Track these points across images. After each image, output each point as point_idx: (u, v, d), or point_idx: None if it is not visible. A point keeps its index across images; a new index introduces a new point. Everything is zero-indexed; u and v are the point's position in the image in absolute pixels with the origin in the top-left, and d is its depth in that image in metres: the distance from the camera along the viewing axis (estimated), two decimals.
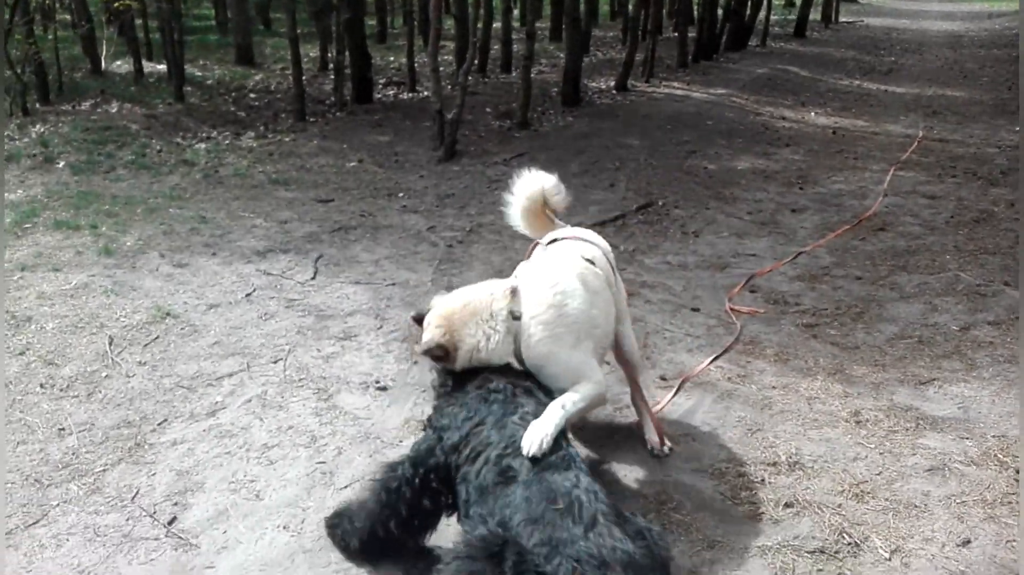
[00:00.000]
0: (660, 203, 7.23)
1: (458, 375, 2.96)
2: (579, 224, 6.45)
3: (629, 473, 3.39)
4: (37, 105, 10.08)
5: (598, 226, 6.54)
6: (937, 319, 4.83)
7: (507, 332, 2.90)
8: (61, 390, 3.80)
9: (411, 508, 2.69)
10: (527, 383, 2.89)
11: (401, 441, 3.53)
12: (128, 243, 5.58)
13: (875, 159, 8.97)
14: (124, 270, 5.12)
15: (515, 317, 2.92)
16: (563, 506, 2.31)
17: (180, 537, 2.96)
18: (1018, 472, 3.30)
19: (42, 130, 8.85)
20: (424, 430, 2.90)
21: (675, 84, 14.02)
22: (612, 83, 13.24)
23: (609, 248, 3.58)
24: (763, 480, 3.34)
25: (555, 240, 3.47)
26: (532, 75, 10.49)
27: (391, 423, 3.70)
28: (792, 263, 5.78)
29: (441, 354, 2.92)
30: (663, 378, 4.21)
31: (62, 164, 7.66)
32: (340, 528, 2.87)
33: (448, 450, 2.67)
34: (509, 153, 8.96)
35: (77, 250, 5.38)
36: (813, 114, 11.84)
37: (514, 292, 2.97)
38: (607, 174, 8.15)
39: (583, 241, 3.44)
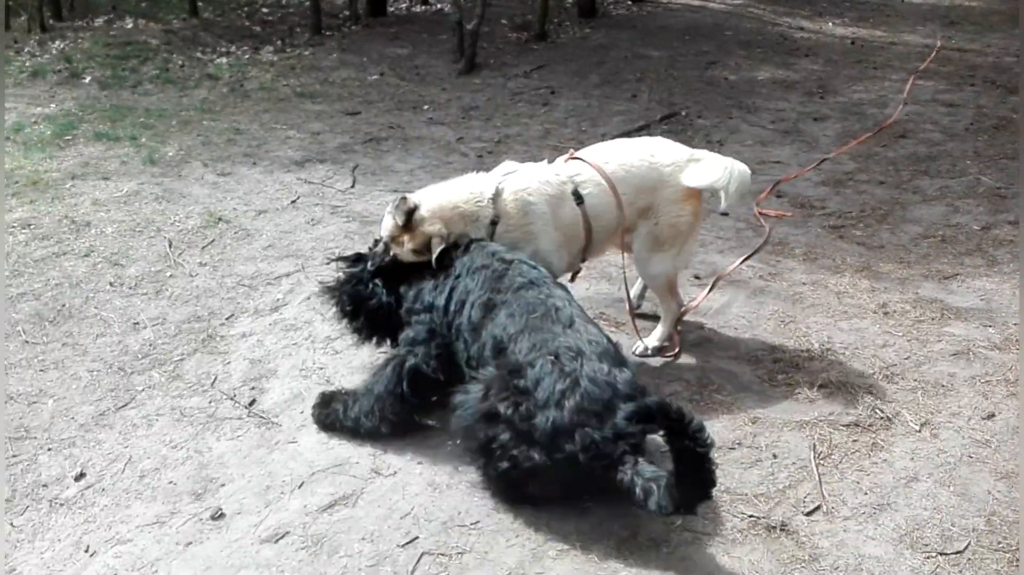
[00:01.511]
0: (683, 113, 7.30)
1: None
2: (604, 134, 6.62)
3: (671, 360, 3.62)
4: (51, 21, 10.01)
5: (623, 136, 6.65)
6: (959, 219, 4.99)
7: (487, 236, 3.23)
8: (130, 288, 4.02)
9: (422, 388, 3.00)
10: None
11: None
12: (169, 153, 5.71)
13: (894, 68, 8.95)
14: (171, 178, 5.27)
15: (493, 223, 3.23)
16: (540, 314, 2.75)
17: (262, 417, 3.20)
18: None
19: (62, 46, 8.85)
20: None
21: None
22: None
23: (649, 165, 3.47)
24: (798, 365, 3.57)
25: (577, 158, 3.50)
26: None
27: None
28: (817, 169, 5.90)
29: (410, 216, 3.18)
30: (697, 277, 4.40)
31: (88, 79, 7.70)
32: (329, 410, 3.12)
33: (441, 319, 3.00)
34: (529, 65, 8.96)
35: (122, 160, 5.53)
36: (831, 24, 11.69)
37: (497, 197, 3.23)
38: (628, 85, 8.18)
39: (597, 172, 3.41)
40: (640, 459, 2.53)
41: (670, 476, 2.41)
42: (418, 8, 12.13)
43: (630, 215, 3.45)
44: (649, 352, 3.66)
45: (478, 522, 2.67)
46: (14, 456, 2.97)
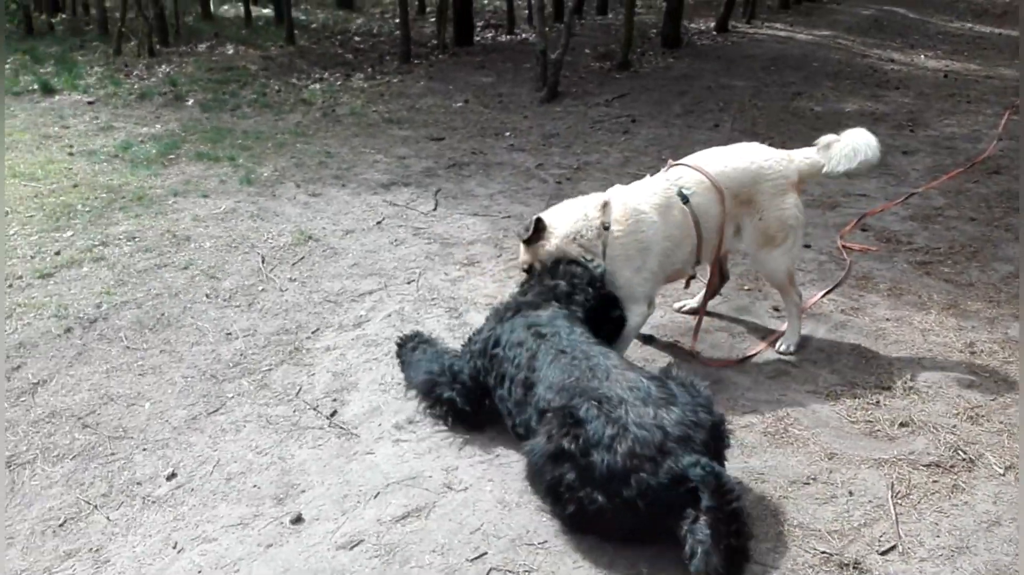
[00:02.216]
0: (766, 144, 7.23)
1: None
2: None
3: (746, 391, 3.59)
4: (158, 47, 10.64)
5: None
6: (1020, 258, 4.80)
7: (597, 236, 3.48)
8: (224, 300, 4.23)
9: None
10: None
11: None
12: (265, 174, 6.00)
13: (988, 103, 8.68)
14: (265, 197, 5.54)
15: (604, 227, 3.48)
16: (576, 376, 2.85)
17: (342, 427, 3.33)
18: None
19: (168, 70, 9.40)
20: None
21: (777, 25, 13.69)
22: (712, 24, 13.03)
23: (749, 168, 3.69)
24: (878, 402, 3.49)
25: (677, 164, 3.69)
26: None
27: None
28: (904, 204, 5.76)
29: (540, 235, 3.50)
30: (776, 309, 4.35)
31: (191, 102, 8.16)
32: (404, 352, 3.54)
33: (474, 362, 3.24)
34: (611, 94, 9.05)
35: (220, 179, 5.83)
36: (923, 57, 11.43)
37: (606, 206, 3.51)
38: (711, 115, 8.17)
39: (696, 171, 3.63)
40: (702, 515, 2.53)
41: (714, 538, 2.42)
42: (504, 38, 12.40)
43: (732, 209, 3.65)
44: (792, 349, 3.87)
45: (546, 542, 2.70)
46: (112, 454, 3.16)
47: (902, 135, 7.53)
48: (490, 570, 2.59)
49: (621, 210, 3.49)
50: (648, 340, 4.03)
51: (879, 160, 3.79)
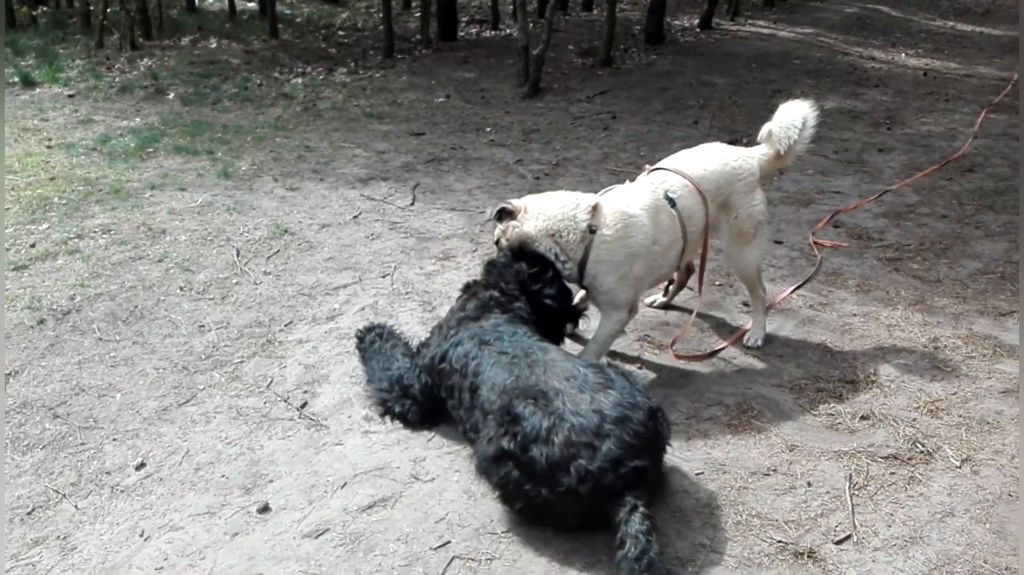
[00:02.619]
0: (744, 140, 7.28)
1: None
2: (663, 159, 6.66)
3: (712, 385, 3.65)
4: (141, 40, 10.59)
5: None
6: (1021, 256, 4.88)
7: (581, 240, 3.42)
8: (198, 293, 4.25)
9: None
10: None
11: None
12: (243, 168, 6.01)
13: (967, 101, 8.78)
14: (242, 191, 5.55)
15: (592, 230, 3.42)
16: (516, 374, 2.92)
17: (311, 419, 3.36)
18: None
19: (150, 63, 9.37)
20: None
21: (760, 23, 13.76)
22: (696, 21, 13.09)
23: (726, 171, 3.74)
24: (841, 396, 3.55)
25: (657, 169, 3.72)
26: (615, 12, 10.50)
27: None
28: (877, 201, 5.84)
29: (510, 216, 3.48)
30: (745, 304, 4.41)
31: (172, 95, 8.15)
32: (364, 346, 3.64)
33: (423, 378, 3.31)
34: (592, 90, 9.09)
35: (198, 172, 5.84)
36: (904, 55, 11.53)
37: (596, 208, 3.44)
38: (691, 111, 8.23)
39: (678, 175, 3.65)
40: (641, 506, 2.57)
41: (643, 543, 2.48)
42: (488, 33, 12.42)
43: (713, 211, 3.71)
44: (759, 344, 3.94)
45: (509, 531, 2.75)
46: (82, 444, 3.19)
47: (879, 133, 7.61)
48: (452, 558, 2.63)
49: (611, 214, 3.44)
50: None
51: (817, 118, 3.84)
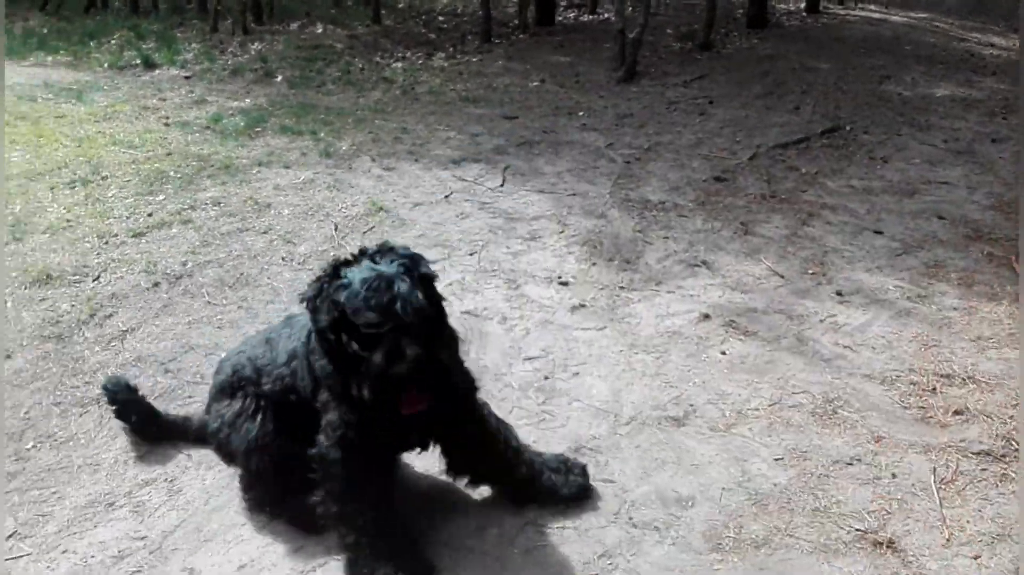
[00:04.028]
0: (847, 128, 7.08)
1: None
2: (760, 145, 6.55)
3: (799, 373, 3.60)
4: (253, 25, 11.07)
5: (779, 148, 6.56)
6: (1021, 253, 4.58)
7: None
8: (299, 263, 4.47)
9: None
10: None
11: (581, 327, 3.92)
12: (343, 148, 6.25)
13: None
14: (342, 170, 5.78)
15: None
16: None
17: None
18: None
19: (260, 47, 9.80)
20: None
21: (871, 6, 13.21)
22: (803, 4, 12.67)
23: None
24: (935, 390, 3.44)
25: None
26: None
27: (570, 313, 4.08)
28: (987, 194, 5.58)
29: None
30: (839, 293, 4.31)
31: (279, 78, 8.51)
32: None
33: None
34: (689, 75, 8.96)
35: (302, 151, 6.11)
36: None
37: None
38: (792, 97, 8.01)
39: None
40: None
41: None
42: (586, 17, 12.39)
43: None
44: None
45: None
46: (189, 397, 3.42)
47: (993, 122, 7.24)
48: None
49: None
50: (706, 318, 4.06)
51: None
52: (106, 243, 4.54)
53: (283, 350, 2.76)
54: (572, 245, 4.83)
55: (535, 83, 8.77)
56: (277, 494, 2.79)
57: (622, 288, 4.37)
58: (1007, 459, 3.00)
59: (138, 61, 9.13)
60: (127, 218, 4.85)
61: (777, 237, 4.97)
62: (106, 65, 9.09)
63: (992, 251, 4.73)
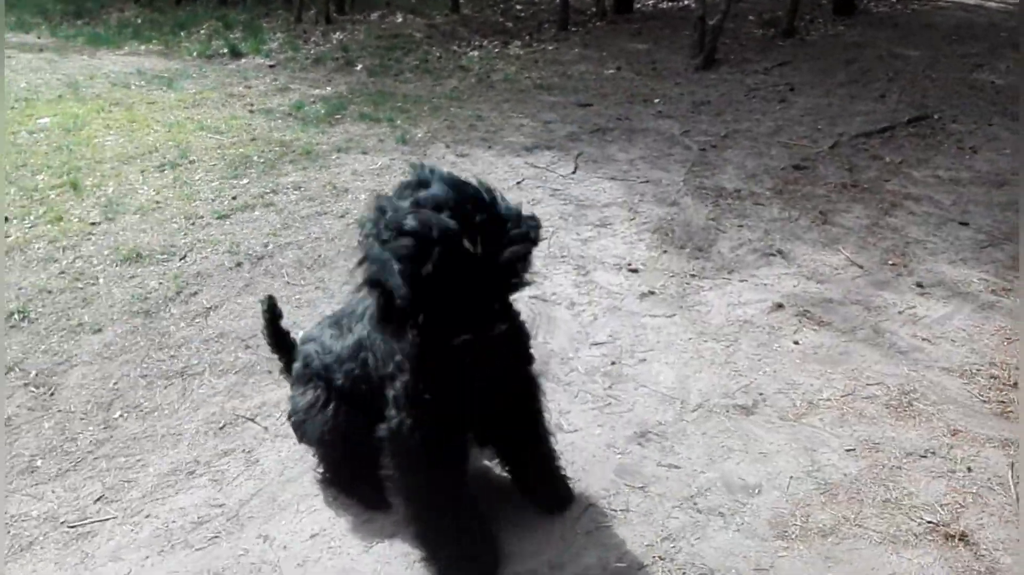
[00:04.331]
0: (936, 116, 6.81)
1: None
2: (842, 133, 6.37)
3: (874, 364, 3.51)
4: (335, 14, 11.32)
5: (862, 137, 6.36)
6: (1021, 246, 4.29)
7: None
8: None
9: None
10: None
11: (650, 314, 3.91)
12: (419, 135, 6.37)
13: None
14: (417, 156, 5.89)
15: None
16: None
17: None
18: None
19: (341, 37, 10.03)
20: None
21: None
22: None
23: None
24: (1015, 385, 3.32)
25: None
26: None
27: (639, 300, 4.08)
28: None
29: None
30: (919, 285, 4.18)
31: (359, 67, 8.70)
32: None
33: None
34: (771, 62, 8.76)
35: (379, 138, 6.25)
36: None
37: None
38: (878, 85, 7.75)
39: None
40: None
41: None
42: (665, 5, 12.22)
43: None
44: None
45: None
46: (268, 372, 3.56)
47: None
48: None
49: None
50: (779, 307, 4.00)
51: None
52: (192, 224, 4.76)
53: (352, 340, 2.73)
54: (643, 232, 4.81)
55: (611, 71, 8.72)
56: (347, 476, 2.89)
57: (693, 276, 4.34)
58: None
59: (225, 50, 9.47)
60: (212, 200, 5.07)
61: (857, 227, 4.84)
62: (195, 54, 9.46)
63: None
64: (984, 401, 3.23)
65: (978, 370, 3.42)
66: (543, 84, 8.22)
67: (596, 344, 3.71)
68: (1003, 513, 2.64)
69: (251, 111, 6.94)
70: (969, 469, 2.85)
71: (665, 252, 4.58)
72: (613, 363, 3.59)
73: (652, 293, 4.14)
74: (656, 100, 7.61)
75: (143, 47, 9.95)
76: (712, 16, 8.79)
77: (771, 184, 5.52)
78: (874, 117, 6.87)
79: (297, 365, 2.94)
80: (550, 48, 9.75)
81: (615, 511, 2.76)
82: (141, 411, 3.38)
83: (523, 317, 2.53)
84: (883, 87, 7.72)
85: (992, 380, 3.35)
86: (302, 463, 3.05)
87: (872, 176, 5.62)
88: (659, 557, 2.58)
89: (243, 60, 9.07)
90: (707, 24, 8.74)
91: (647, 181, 5.57)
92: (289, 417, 2.92)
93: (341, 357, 2.73)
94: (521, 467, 2.78)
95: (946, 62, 8.54)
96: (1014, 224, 4.79)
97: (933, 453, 2.96)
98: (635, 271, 4.37)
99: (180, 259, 4.39)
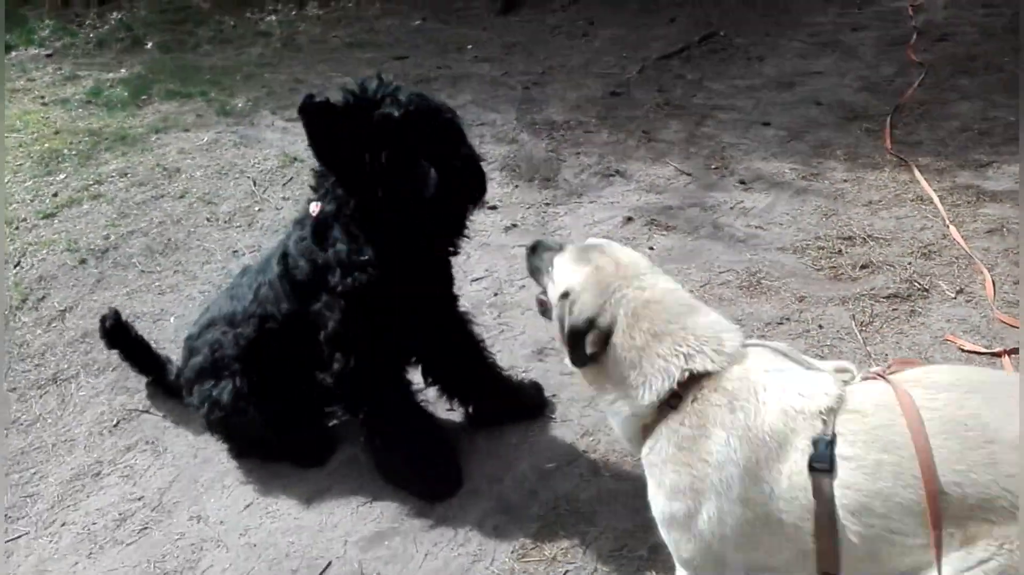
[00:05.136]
0: (722, 33, 7.42)
1: None
2: (645, 58, 6.82)
3: (721, 255, 3.92)
4: None
5: (664, 59, 6.84)
6: (996, 113, 5.12)
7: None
8: (225, 222, 4.45)
9: None
10: None
11: (518, 244, 4.11)
12: (239, 105, 6.12)
13: None
14: (244, 126, 5.68)
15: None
16: None
17: None
18: None
19: (119, 16, 9.28)
20: None
21: None
22: None
23: None
24: (840, 251, 3.84)
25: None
26: None
27: (504, 233, 4.26)
28: (856, 77, 6.04)
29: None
30: (742, 182, 4.66)
31: (150, 44, 8.14)
32: None
33: None
34: (565, 0, 9.11)
35: (197, 113, 5.95)
36: None
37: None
38: (667, 10, 8.29)
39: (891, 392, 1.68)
40: None
41: None
42: None
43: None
44: None
45: None
46: None
47: (849, 13, 7.74)
48: None
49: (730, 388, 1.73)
50: (629, 220, 4.32)
51: None
52: (16, 228, 4.38)
53: (248, 291, 2.79)
54: (492, 171, 4.97)
55: (417, 22, 8.72)
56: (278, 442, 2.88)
57: (547, 204, 4.58)
58: (912, 298, 3.42)
59: None
60: (31, 201, 4.67)
61: (677, 140, 5.28)
62: None
63: (869, 127, 5.17)
64: (818, 270, 3.72)
65: (807, 245, 3.92)
66: (353, 42, 8.10)
67: (476, 279, 3.86)
68: (855, 356, 3.10)
69: (44, 103, 6.35)
70: (820, 326, 3.31)
71: (516, 187, 4.78)
72: (496, 294, 3.76)
73: (515, 226, 4.34)
74: (469, 46, 7.74)
75: None
76: None
77: (595, 112, 5.85)
78: (669, 41, 7.38)
79: (198, 359, 2.86)
80: (350, 5, 9.57)
81: (534, 423, 2.96)
82: (21, 425, 3.16)
83: None
84: (672, 12, 8.29)
85: (820, 251, 3.85)
86: (213, 442, 3.00)
87: (680, 93, 6.10)
88: (584, 451, 2.81)
89: (14, 53, 8.19)
90: None
91: (483, 123, 5.72)
92: (209, 414, 2.84)
93: (246, 306, 2.75)
94: (477, 391, 2.90)
95: None
96: (808, 118, 5.41)
97: (788, 319, 3.39)
98: (494, 208, 4.54)
99: (15, 266, 4.04)
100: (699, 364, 1.73)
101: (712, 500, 1.68)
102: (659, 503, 1.80)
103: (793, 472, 1.61)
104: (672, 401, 1.74)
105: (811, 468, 1.58)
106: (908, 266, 3.63)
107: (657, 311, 1.81)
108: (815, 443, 1.59)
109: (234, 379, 2.74)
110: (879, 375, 1.69)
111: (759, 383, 1.69)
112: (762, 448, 1.64)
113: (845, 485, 1.56)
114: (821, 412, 1.61)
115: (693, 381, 1.73)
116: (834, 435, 1.58)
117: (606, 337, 1.80)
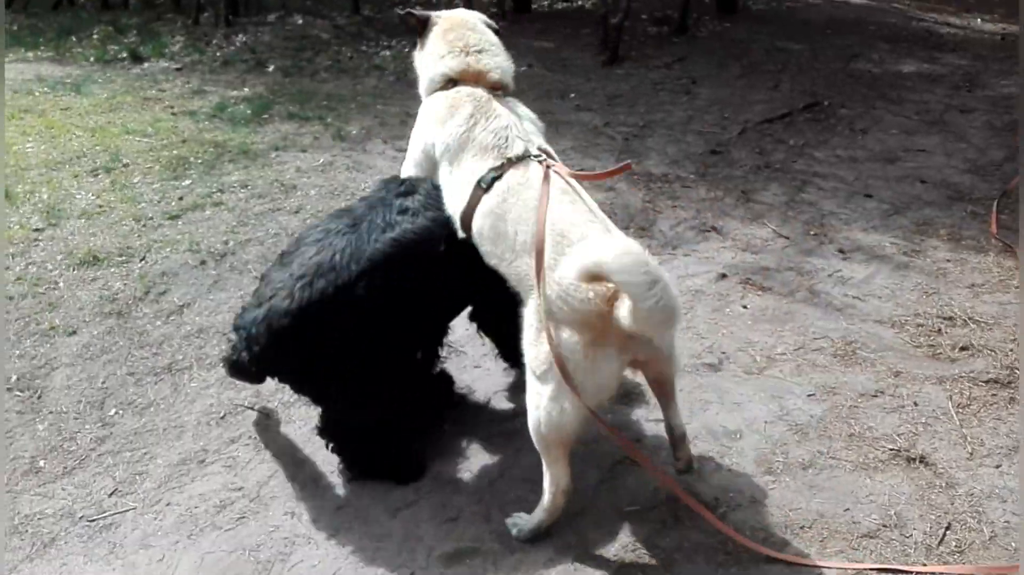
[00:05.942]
0: (826, 103, 7.44)
1: None
2: (747, 120, 6.89)
3: (816, 321, 3.93)
4: (231, 17, 11.10)
5: (765, 123, 6.90)
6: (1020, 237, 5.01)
7: None
8: None
9: None
10: None
11: None
12: (353, 131, 6.42)
13: None
14: (357, 152, 5.96)
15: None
16: None
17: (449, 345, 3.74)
18: None
19: (245, 39, 9.86)
20: None
21: None
22: None
23: None
24: (940, 330, 3.80)
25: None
26: None
27: None
28: (963, 159, 5.97)
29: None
30: (841, 251, 4.65)
31: (272, 68, 8.61)
32: None
33: None
34: (670, 57, 9.27)
35: (314, 136, 6.27)
36: (979, 20, 11.40)
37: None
38: (769, 76, 8.37)
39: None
40: None
41: None
42: (559, 5, 12.62)
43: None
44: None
45: None
46: None
47: (959, 95, 7.67)
48: None
49: None
50: (723, 276, 4.37)
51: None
52: (143, 226, 4.69)
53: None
54: None
55: (523, 67, 8.97)
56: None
57: None
58: (1012, 385, 3.36)
59: (124, 55, 9.13)
60: (158, 202, 4.99)
61: (776, 203, 5.31)
62: (92, 59, 9.08)
63: (974, 210, 5.11)
64: (916, 346, 3.69)
65: (905, 320, 3.89)
66: None
67: None
68: (951, 438, 3.07)
69: (173, 113, 6.79)
70: (916, 403, 3.28)
71: None
72: None
73: None
74: (572, 95, 7.94)
75: (31, 54, 9.45)
76: (614, 15, 9.23)
77: (693, 168, 5.93)
78: (772, 105, 7.44)
79: None
80: None
81: (619, 465, 3.02)
82: (136, 407, 3.37)
83: None
84: (774, 78, 8.35)
85: (919, 328, 3.82)
86: (311, 444, 3.15)
87: (781, 158, 6.14)
88: (666, 497, 2.85)
89: (146, 64, 8.79)
90: (609, 22, 9.16)
91: (581, 169, 5.86)
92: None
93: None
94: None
95: (826, 54, 9.30)
96: (911, 194, 5.38)
97: (883, 392, 3.37)
98: None
99: (140, 260, 4.33)
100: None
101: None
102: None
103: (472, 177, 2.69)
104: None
105: (477, 185, 2.66)
106: (1010, 352, 3.57)
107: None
108: (489, 171, 2.67)
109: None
110: (549, 166, 2.67)
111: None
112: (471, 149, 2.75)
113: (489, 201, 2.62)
114: (508, 157, 2.68)
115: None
116: (502, 174, 2.63)
117: None
